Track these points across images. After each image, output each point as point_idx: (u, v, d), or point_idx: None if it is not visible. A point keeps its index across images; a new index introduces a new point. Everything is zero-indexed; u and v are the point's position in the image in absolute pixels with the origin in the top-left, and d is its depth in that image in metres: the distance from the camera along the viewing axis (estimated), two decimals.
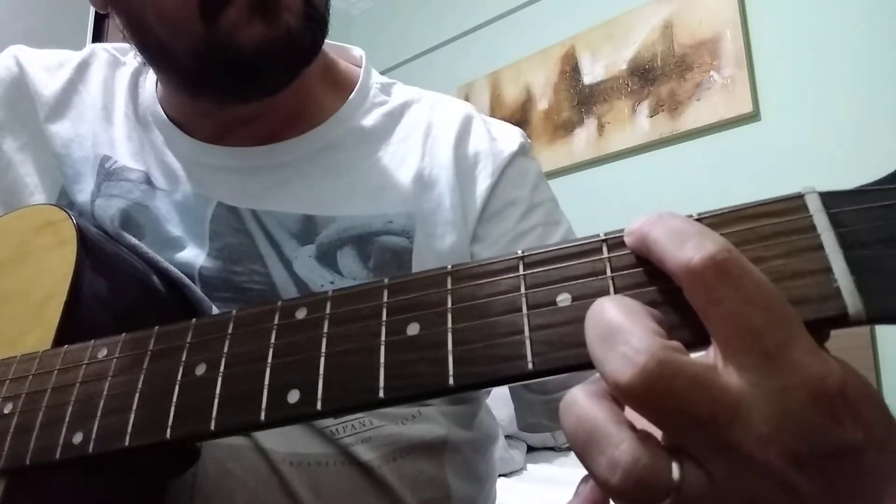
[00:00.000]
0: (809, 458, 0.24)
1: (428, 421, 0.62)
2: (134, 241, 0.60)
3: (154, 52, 0.61)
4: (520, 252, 0.31)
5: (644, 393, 0.24)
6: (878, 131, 2.14)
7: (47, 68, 0.72)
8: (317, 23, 0.60)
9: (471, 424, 0.68)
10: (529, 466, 2.04)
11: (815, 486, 0.24)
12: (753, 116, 2.46)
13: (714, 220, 0.28)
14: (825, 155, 2.22)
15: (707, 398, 0.24)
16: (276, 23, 0.56)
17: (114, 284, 0.52)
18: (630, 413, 0.26)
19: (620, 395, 0.24)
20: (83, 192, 0.65)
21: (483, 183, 0.66)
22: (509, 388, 0.65)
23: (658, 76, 2.72)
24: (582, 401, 0.26)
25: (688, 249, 0.25)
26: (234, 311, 0.37)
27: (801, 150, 2.30)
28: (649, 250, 0.27)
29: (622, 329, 0.25)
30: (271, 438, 0.56)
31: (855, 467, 0.24)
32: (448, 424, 0.63)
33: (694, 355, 0.25)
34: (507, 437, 1.98)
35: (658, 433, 0.25)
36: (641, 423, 0.26)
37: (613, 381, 0.24)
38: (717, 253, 0.24)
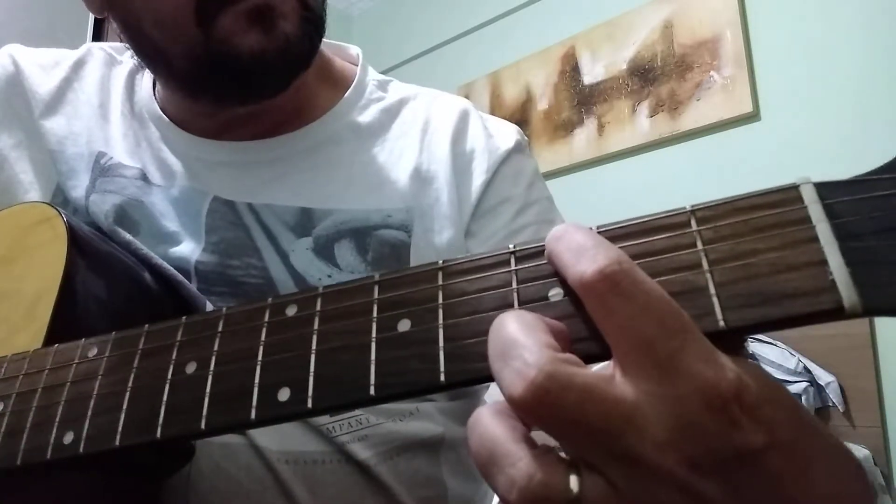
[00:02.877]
0: (709, 463, 0.24)
1: (425, 418, 0.62)
2: (128, 237, 0.60)
3: (151, 55, 0.61)
4: (511, 247, 0.30)
5: (535, 406, 0.24)
6: (877, 131, 2.14)
7: (43, 66, 0.72)
8: (314, 25, 0.60)
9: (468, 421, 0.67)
10: None
11: (721, 490, 0.24)
12: (753, 116, 2.46)
13: (708, 213, 0.27)
14: (825, 155, 2.22)
15: (599, 409, 0.24)
16: (273, 32, 0.56)
17: (105, 282, 0.51)
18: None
19: (515, 410, 0.25)
20: (77, 189, 0.65)
21: (478, 179, 0.66)
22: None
23: (658, 76, 2.72)
24: (485, 419, 0.27)
25: (582, 263, 0.26)
26: (224, 309, 0.37)
27: (800, 150, 2.30)
28: (554, 264, 0.28)
29: (516, 344, 0.25)
30: (266, 436, 0.56)
31: (760, 470, 0.24)
32: (445, 421, 0.63)
33: None
34: None
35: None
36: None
37: (508, 395, 0.25)
38: (607, 266, 0.25)
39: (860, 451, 1.99)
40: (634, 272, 0.25)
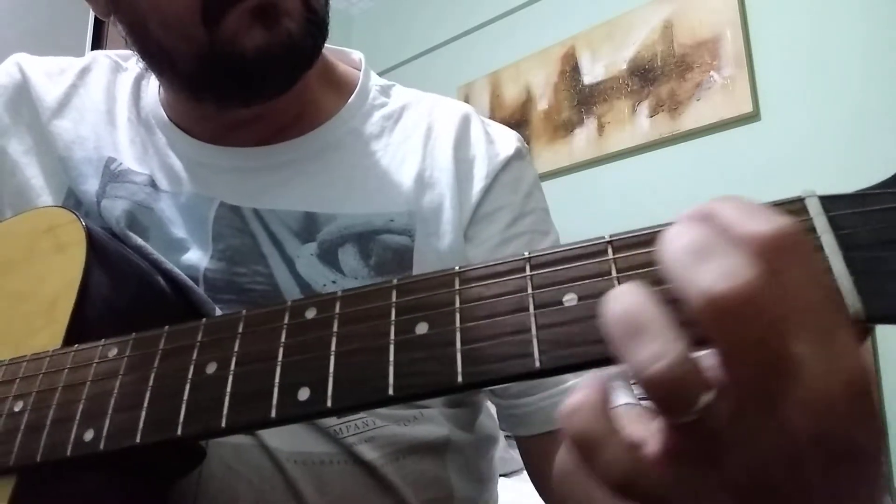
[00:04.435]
0: (828, 445, 0.24)
1: (430, 422, 0.63)
2: (140, 241, 0.61)
3: (156, 57, 0.62)
4: (526, 254, 0.31)
5: (745, 305, 0.23)
6: (877, 131, 2.14)
7: (49, 74, 0.73)
8: (317, 26, 0.61)
9: (472, 426, 0.68)
10: None
11: (819, 477, 0.25)
12: (753, 116, 2.46)
13: None
14: (825, 155, 2.23)
15: (784, 344, 0.24)
16: (276, 28, 0.57)
17: (121, 286, 0.52)
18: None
19: (710, 310, 0.24)
20: (87, 193, 0.66)
21: (478, 184, 0.67)
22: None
23: (658, 76, 2.72)
24: (635, 292, 0.26)
25: (760, 222, 0.25)
26: (244, 311, 0.38)
27: (800, 150, 2.30)
28: (715, 219, 0.26)
29: (718, 245, 0.24)
30: (276, 437, 0.57)
31: (856, 472, 0.25)
32: (449, 426, 0.64)
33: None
34: (507, 437, 1.97)
35: None
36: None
37: (705, 292, 0.24)
38: (787, 227, 0.24)
39: None
40: (809, 242, 0.25)
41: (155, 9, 0.58)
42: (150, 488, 0.51)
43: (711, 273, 0.24)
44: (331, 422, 0.59)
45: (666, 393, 0.24)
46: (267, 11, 0.57)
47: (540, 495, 0.62)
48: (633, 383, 0.25)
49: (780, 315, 0.24)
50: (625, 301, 0.26)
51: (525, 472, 2.03)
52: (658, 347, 0.24)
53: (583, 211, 2.44)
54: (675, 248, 0.25)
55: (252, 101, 0.63)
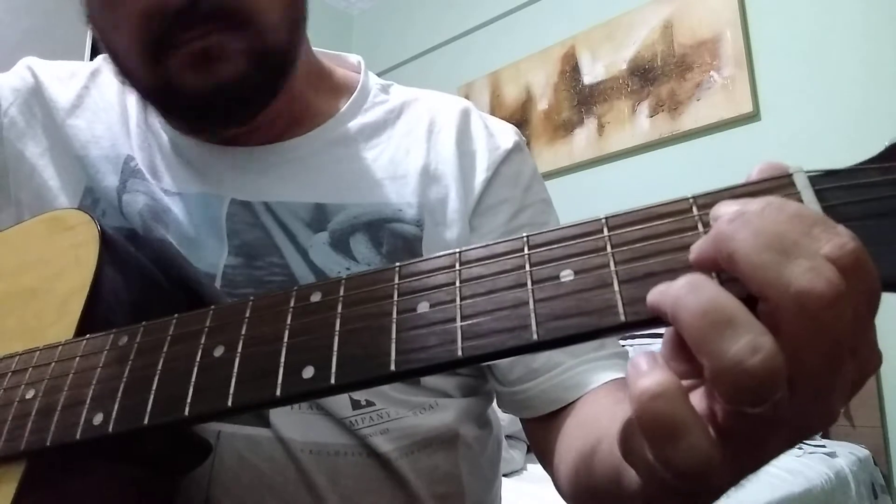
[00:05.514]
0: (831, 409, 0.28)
1: (444, 411, 0.64)
2: (163, 233, 0.62)
3: (129, 83, 0.64)
4: (524, 235, 0.32)
5: (833, 302, 0.24)
6: (877, 131, 2.15)
7: (60, 78, 0.74)
8: (268, 67, 0.60)
9: (482, 420, 0.69)
10: (529, 466, 2.04)
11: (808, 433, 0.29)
12: (753, 116, 2.47)
13: (709, 199, 0.30)
14: (825, 155, 2.23)
15: (844, 342, 0.26)
16: (210, 74, 0.57)
17: (132, 283, 0.53)
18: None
19: (797, 303, 0.24)
20: (108, 189, 0.67)
21: (480, 176, 0.68)
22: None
23: (658, 76, 2.73)
24: (712, 282, 0.26)
25: (839, 235, 0.26)
26: (251, 297, 0.39)
27: (800, 150, 2.31)
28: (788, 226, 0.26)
29: (805, 247, 0.25)
30: (290, 429, 0.58)
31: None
32: (462, 417, 0.65)
33: None
34: (507, 437, 1.98)
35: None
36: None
37: (798, 290, 0.24)
38: (861, 246, 0.26)
39: (860, 451, 1.99)
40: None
41: (115, 46, 0.60)
42: (157, 482, 0.51)
43: (803, 270, 0.24)
44: (346, 413, 0.59)
45: (754, 386, 0.24)
46: (203, 56, 0.57)
47: (545, 469, 0.63)
48: (714, 378, 0.25)
49: (849, 320, 0.25)
50: (706, 292, 0.26)
51: (525, 473, 2.02)
52: (753, 339, 0.24)
53: (583, 211, 2.43)
54: (755, 241, 0.25)
55: (216, 129, 0.65)
